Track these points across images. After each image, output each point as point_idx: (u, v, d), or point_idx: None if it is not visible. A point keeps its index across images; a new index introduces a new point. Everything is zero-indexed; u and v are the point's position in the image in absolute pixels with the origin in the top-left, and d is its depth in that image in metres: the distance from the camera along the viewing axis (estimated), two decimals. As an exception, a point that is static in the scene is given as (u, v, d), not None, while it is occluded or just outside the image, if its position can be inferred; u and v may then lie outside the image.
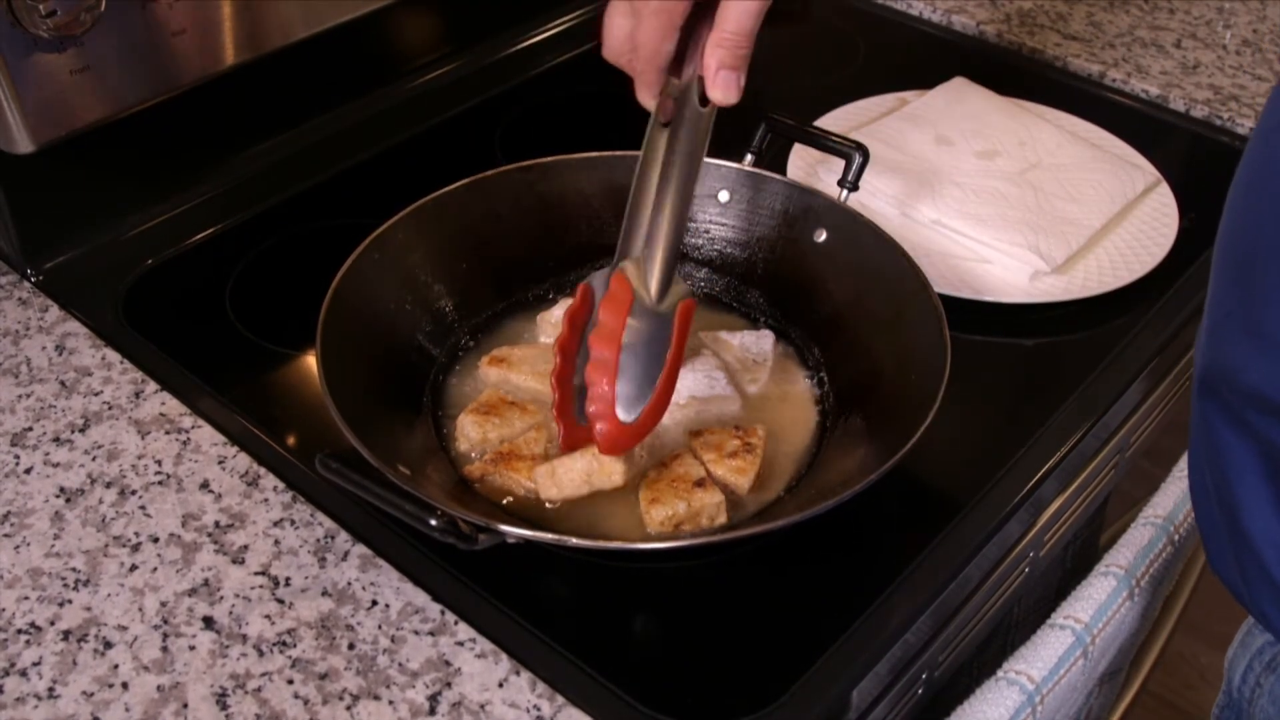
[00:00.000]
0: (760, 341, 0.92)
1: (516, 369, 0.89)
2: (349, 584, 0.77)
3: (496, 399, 0.86)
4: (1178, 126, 1.26)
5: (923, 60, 1.38)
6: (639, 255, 0.79)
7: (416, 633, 0.74)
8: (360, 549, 0.79)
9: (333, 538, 0.80)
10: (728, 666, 0.74)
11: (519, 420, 0.85)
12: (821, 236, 0.94)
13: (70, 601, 0.76)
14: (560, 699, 0.70)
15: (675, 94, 0.77)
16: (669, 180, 0.77)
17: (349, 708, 0.70)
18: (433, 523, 0.68)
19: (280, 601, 0.76)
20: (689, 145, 0.77)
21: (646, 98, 0.77)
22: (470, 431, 0.84)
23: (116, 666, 0.72)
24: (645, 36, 0.74)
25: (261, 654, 0.73)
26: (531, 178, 0.96)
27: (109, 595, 0.76)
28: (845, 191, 0.94)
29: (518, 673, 0.72)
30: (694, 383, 0.87)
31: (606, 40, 0.76)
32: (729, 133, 1.24)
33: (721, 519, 0.79)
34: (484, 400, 0.86)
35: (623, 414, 0.76)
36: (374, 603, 0.76)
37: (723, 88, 0.73)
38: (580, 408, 0.78)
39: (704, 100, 0.75)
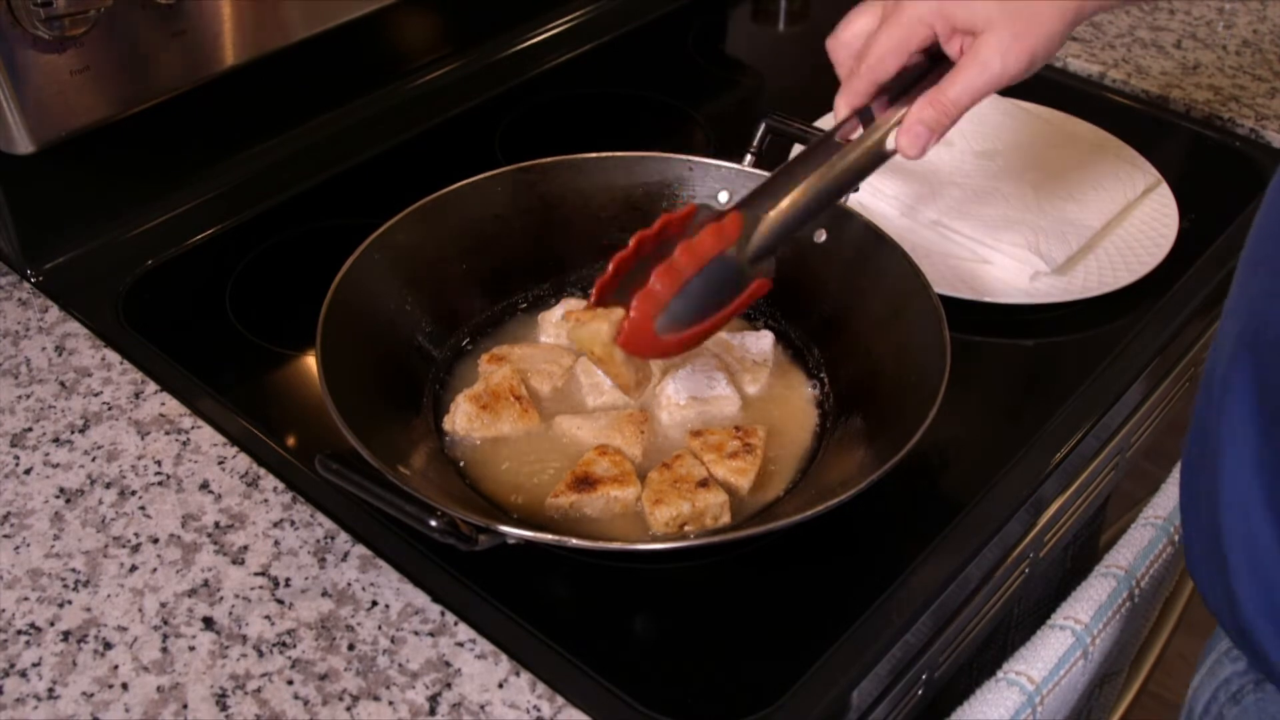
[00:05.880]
0: (760, 342, 0.92)
1: (516, 367, 0.89)
2: (349, 585, 0.77)
3: (506, 389, 0.86)
4: (1178, 126, 1.26)
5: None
6: (759, 213, 0.79)
7: (416, 633, 0.74)
8: (360, 550, 0.79)
9: (332, 538, 0.80)
10: (727, 666, 0.74)
11: (509, 425, 0.85)
12: (821, 237, 0.94)
13: (70, 602, 0.76)
14: (560, 699, 0.70)
15: (864, 123, 0.80)
16: (820, 176, 0.79)
17: (349, 708, 0.70)
18: (433, 523, 0.68)
19: (280, 602, 0.76)
20: (853, 167, 0.79)
21: (844, 105, 0.80)
22: (460, 420, 0.85)
23: (116, 667, 0.72)
24: (880, 41, 0.77)
25: (261, 654, 0.73)
26: (531, 178, 0.96)
27: (109, 596, 0.76)
28: (845, 192, 0.94)
29: (518, 673, 0.72)
30: (694, 383, 0.87)
31: (840, 31, 0.80)
32: (729, 133, 1.24)
33: (725, 519, 0.79)
34: (493, 387, 0.86)
35: (657, 324, 0.77)
36: (374, 603, 0.76)
37: (911, 139, 0.76)
38: (620, 291, 0.78)
39: (887, 147, 0.78)
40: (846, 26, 0.81)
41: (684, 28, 1.45)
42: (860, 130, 0.80)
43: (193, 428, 0.88)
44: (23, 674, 0.72)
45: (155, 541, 0.79)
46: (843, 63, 0.81)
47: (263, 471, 0.84)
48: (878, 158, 0.79)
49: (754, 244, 0.78)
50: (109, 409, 0.89)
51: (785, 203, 0.79)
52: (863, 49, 0.78)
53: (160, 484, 0.83)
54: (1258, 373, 0.64)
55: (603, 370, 0.80)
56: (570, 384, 0.90)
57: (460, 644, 0.73)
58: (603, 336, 0.77)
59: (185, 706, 0.70)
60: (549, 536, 0.74)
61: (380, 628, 0.74)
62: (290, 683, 0.71)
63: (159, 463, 0.85)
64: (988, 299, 0.99)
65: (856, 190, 0.93)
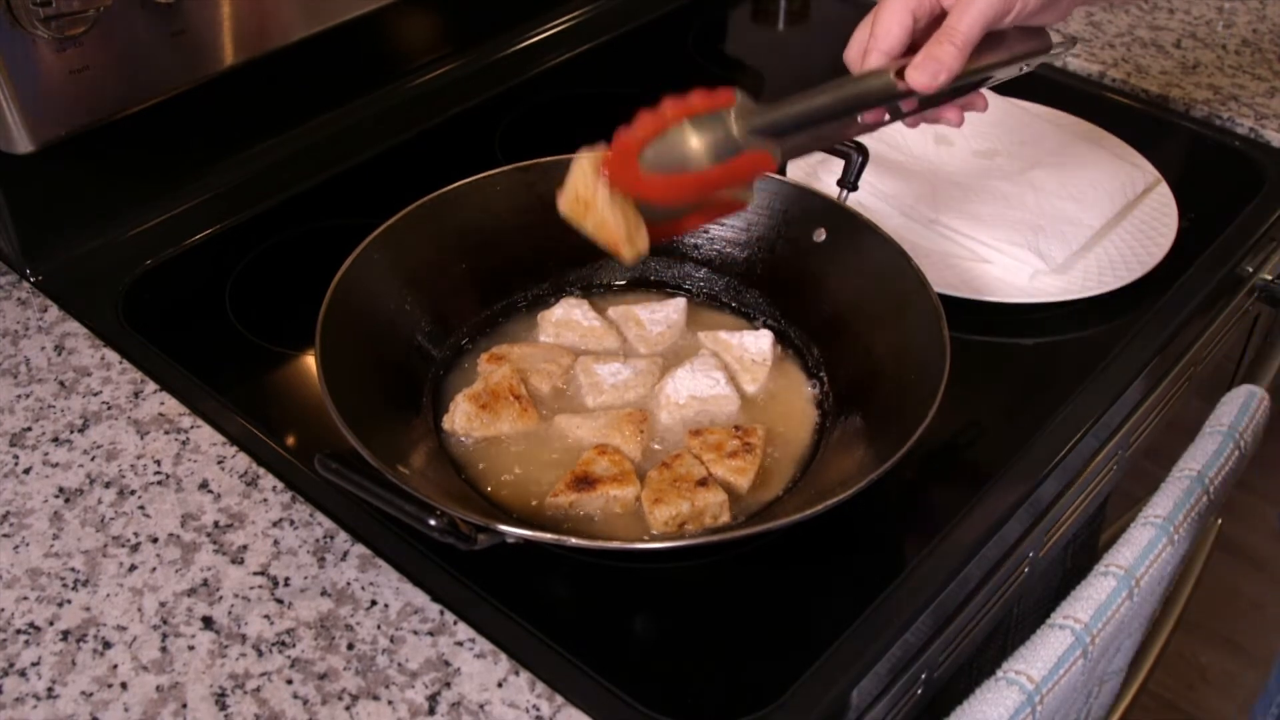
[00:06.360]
0: (759, 341, 0.92)
1: (515, 367, 0.89)
2: (348, 584, 0.77)
3: (505, 388, 0.86)
4: (1177, 126, 1.26)
5: (923, 60, 1.38)
6: (763, 106, 0.79)
7: (416, 633, 0.74)
8: (359, 549, 0.79)
9: (332, 538, 0.80)
10: (727, 666, 0.74)
11: (508, 424, 0.85)
12: (821, 236, 0.94)
13: (69, 602, 0.76)
14: (559, 699, 0.70)
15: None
16: (827, 91, 0.80)
17: (348, 708, 0.70)
18: (432, 523, 0.68)
19: (279, 601, 0.76)
20: (864, 90, 0.80)
21: None
22: (459, 419, 0.85)
23: (115, 667, 0.72)
24: (881, 14, 0.80)
25: (261, 654, 0.73)
26: (531, 178, 0.96)
27: (108, 595, 0.76)
28: (845, 191, 0.94)
29: (517, 673, 0.72)
30: (694, 383, 0.87)
31: (850, 43, 0.83)
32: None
33: (724, 518, 0.79)
34: (492, 386, 0.86)
35: (643, 164, 0.76)
36: (373, 603, 0.76)
37: (922, 71, 0.77)
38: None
39: (899, 76, 0.79)
40: (854, 36, 0.83)
41: (684, 28, 1.45)
42: (883, 115, 0.82)
43: (192, 427, 0.88)
44: (22, 673, 0.72)
45: (154, 541, 0.79)
46: (855, 61, 0.83)
47: (262, 471, 0.84)
48: (889, 91, 0.79)
49: (754, 119, 0.78)
50: (108, 408, 0.89)
51: (797, 101, 0.79)
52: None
53: (159, 483, 0.83)
54: None
55: (591, 229, 0.78)
56: (570, 383, 0.90)
57: (459, 643, 0.73)
58: (584, 168, 0.77)
59: (185, 706, 0.70)
60: (548, 536, 0.74)
61: (379, 627, 0.74)
62: (290, 682, 0.71)
63: (158, 462, 0.85)
64: (987, 298, 0.99)
65: (856, 189, 0.94)
